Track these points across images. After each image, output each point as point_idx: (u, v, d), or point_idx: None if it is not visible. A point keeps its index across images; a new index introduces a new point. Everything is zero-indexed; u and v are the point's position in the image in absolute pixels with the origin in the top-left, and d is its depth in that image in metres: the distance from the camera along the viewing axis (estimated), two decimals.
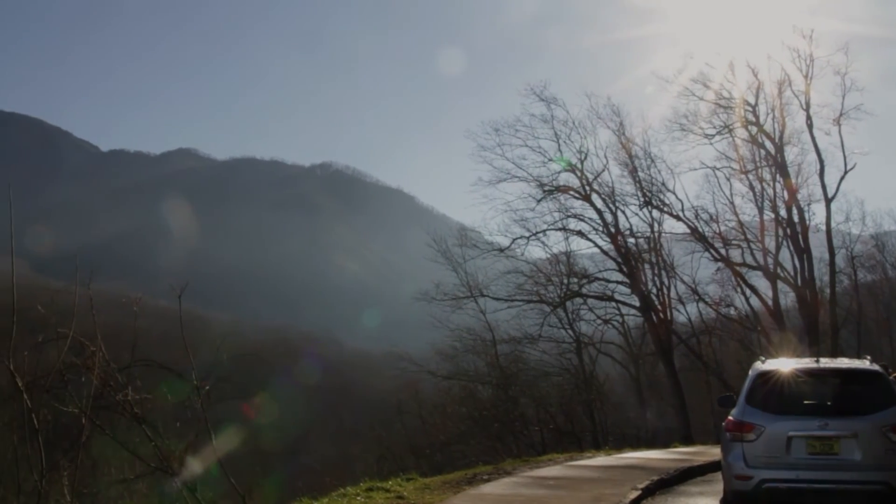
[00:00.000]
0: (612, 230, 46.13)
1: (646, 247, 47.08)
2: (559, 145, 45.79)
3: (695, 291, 47.19)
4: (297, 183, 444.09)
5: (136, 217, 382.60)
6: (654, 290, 46.30)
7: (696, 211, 45.57)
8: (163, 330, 48.85)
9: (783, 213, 43.92)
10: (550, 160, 46.08)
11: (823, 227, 43.54)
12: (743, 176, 44.87)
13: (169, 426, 9.85)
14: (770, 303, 44.92)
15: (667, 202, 45.70)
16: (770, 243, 44.97)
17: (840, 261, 48.16)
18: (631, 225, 46.80)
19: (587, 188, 45.92)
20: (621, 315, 48.74)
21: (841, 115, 41.59)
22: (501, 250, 46.36)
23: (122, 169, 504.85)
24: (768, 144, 43.75)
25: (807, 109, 42.35)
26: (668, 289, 46.65)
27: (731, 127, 44.12)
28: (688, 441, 38.10)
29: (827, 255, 44.19)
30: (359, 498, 14.73)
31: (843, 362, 15.39)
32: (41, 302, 9.62)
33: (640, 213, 46.65)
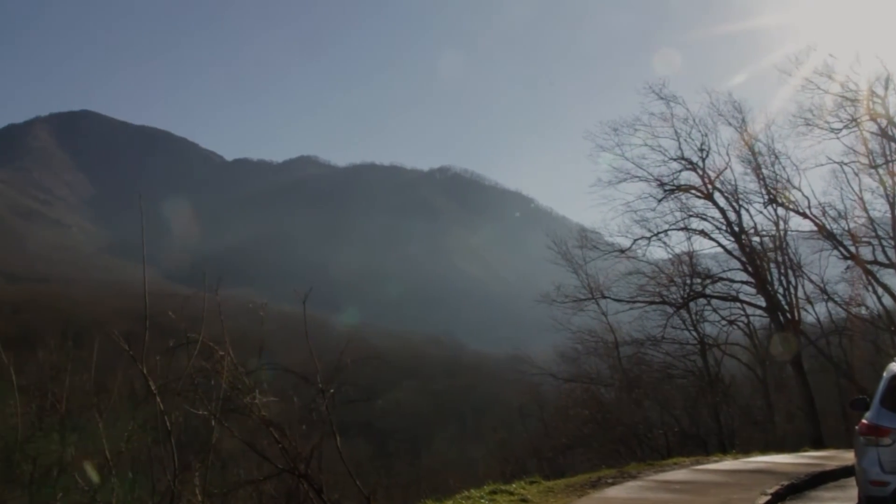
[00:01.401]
0: (736, 229, 45.16)
1: (771, 245, 45.94)
2: (679, 143, 45.09)
3: (823, 291, 45.81)
4: (417, 187, 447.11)
5: (261, 224, 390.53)
6: (781, 290, 45.14)
7: (824, 208, 44.21)
8: (287, 334, 49.80)
9: None
10: (671, 159, 45.41)
11: None
12: (872, 170, 43.32)
13: (295, 428, 10.03)
14: None
15: (792, 199, 44.50)
16: None
17: None
18: (755, 223, 45.74)
19: (709, 187, 45.07)
20: (747, 316, 47.65)
21: None
22: (622, 251, 45.86)
23: (246, 177, 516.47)
24: None
25: None
26: (796, 288, 45.39)
27: (858, 120, 42.53)
28: (818, 445, 37.12)
29: None
30: (483, 500, 14.76)
31: None
32: (171, 308, 9.91)
33: (765, 211, 45.56)
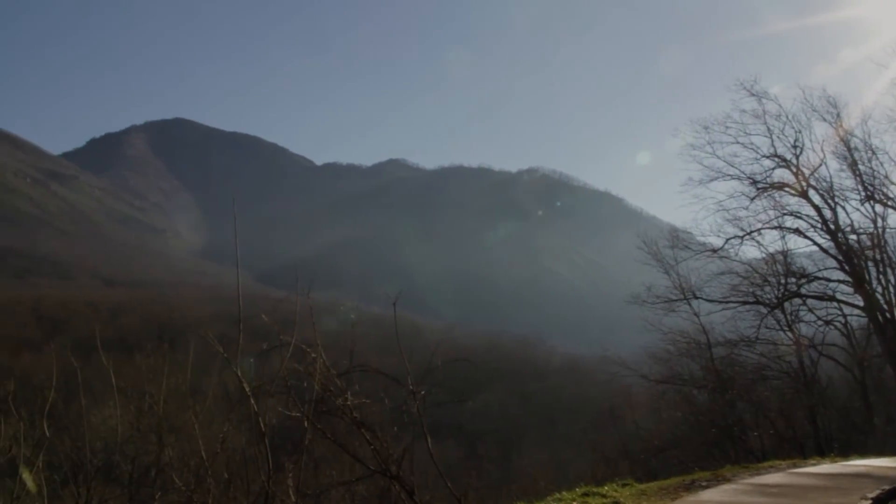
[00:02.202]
0: (832, 227, 44.07)
1: (868, 243, 44.73)
2: (772, 140, 44.18)
3: None
4: (505, 189, 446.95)
5: (350, 227, 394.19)
6: (879, 289, 43.94)
7: None
8: (378, 336, 50.20)
9: None
10: (763, 156, 44.55)
11: None
12: None
13: (386, 430, 10.08)
14: None
15: (891, 196, 43.30)
16: None
17: None
18: (852, 221, 44.54)
19: (803, 184, 44.08)
20: (843, 315, 46.44)
21: None
22: (714, 251, 45.11)
23: (335, 181, 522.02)
24: None
25: None
26: (895, 287, 44.18)
27: None
28: None
29: None
30: (574, 503, 14.67)
31: None
32: (264, 311, 10.03)
33: (862, 209, 44.32)
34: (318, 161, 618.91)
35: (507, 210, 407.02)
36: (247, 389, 9.07)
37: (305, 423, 9.44)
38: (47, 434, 9.38)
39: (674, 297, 44.56)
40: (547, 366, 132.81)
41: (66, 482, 14.05)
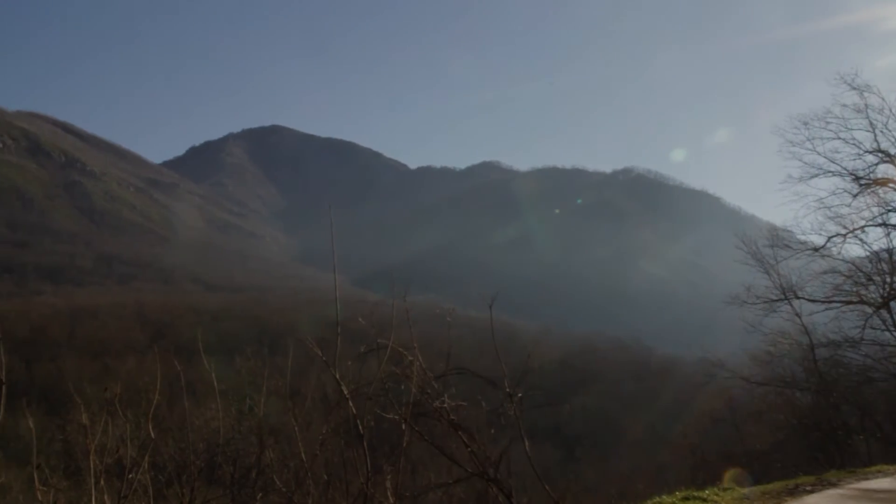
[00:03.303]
0: None
1: None
2: (875, 135, 43.00)
3: None
4: (600, 190, 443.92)
5: (445, 230, 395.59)
6: None
7: None
8: (474, 339, 50.25)
9: None
10: (866, 152, 43.41)
11: None
12: None
13: (483, 432, 10.08)
14: None
15: None
16: None
17: None
18: None
19: None
20: None
21: None
22: (815, 249, 44.09)
23: (430, 185, 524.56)
24: None
25: None
26: None
27: None
28: None
29: None
30: None
31: None
32: (361, 314, 10.12)
33: None
34: (412, 165, 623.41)
35: (601, 211, 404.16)
36: (345, 392, 9.16)
37: (403, 426, 9.49)
38: (152, 436, 9.59)
39: (774, 298, 43.68)
40: (644, 368, 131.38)
41: (170, 483, 14.36)
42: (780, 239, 45.21)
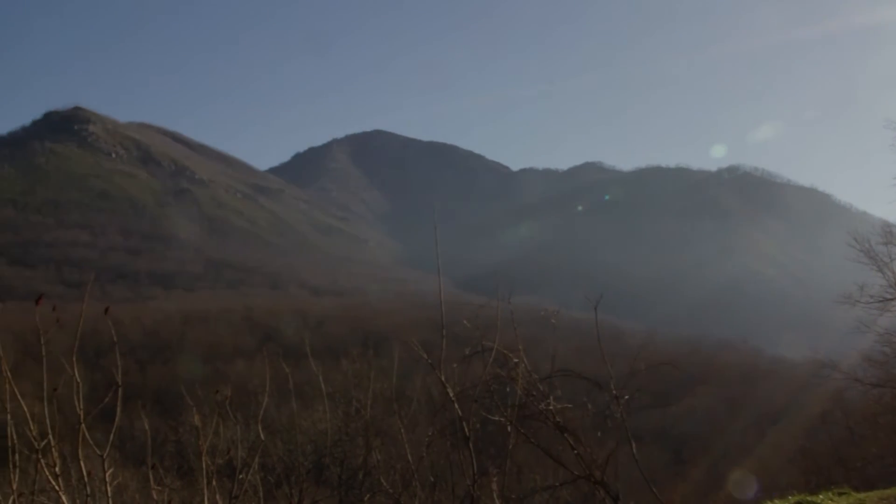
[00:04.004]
0: None
1: None
2: None
3: None
4: (705, 189, 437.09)
5: (548, 232, 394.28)
6: None
7: None
8: (578, 340, 49.91)
9: None
10: None
11: None
12: None
13: (589, 435, 10.00)
14: None
15: None
16: None
17: None
18: None
19: None
20: None
21: None
22: None
23: (532, 186, 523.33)
24: None
25: None
26: None
27: None
28: None
29: None
30: None
31: None
32: (465, 317, 10.14)
33: None
34: (514, 167, 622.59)
35: (707, 210, 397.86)
36: (451, 394, 9.18)
37: (509, 428, 9.48)
38: (262, 437, 9.76)
39: (889, 297, 42.48)
40: (753, 369, 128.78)
41: (279, 483, 14.62)
42: (894, 236, 43.96)
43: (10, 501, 6.55)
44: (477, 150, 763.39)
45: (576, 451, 9.82)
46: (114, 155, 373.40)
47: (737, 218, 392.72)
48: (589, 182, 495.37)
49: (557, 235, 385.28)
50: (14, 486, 6.47)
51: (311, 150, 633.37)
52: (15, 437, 6.50)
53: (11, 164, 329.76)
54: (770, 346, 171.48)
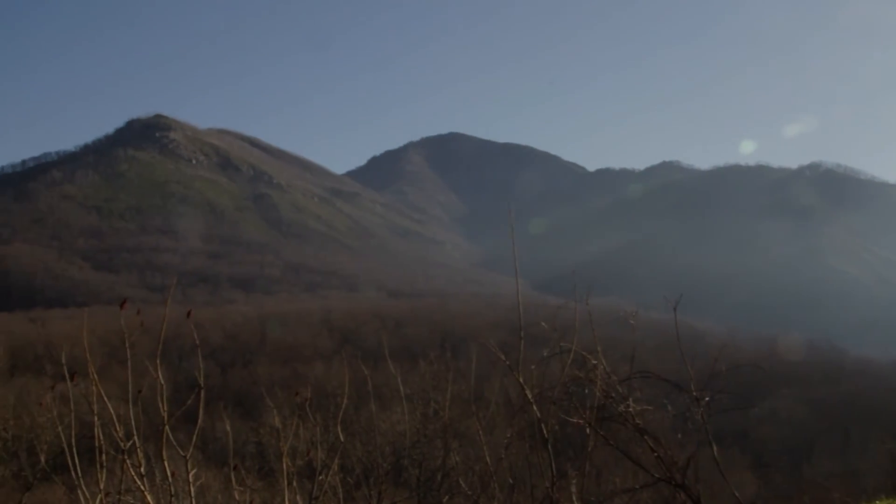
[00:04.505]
0: None
1: None
2: None
3: None
4: (785, 187, 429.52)
5: (625, 232, 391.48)
6: None
7: None
8: (658, 341, 49.49)
9: None
10: None
11: None
12: None
13: (669, 437, 9.90)
14: None
15: None
16: None
17: None
18: None
19: None
20: None
21: None
22: None
23: (609, 186, 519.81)
24: None
25: None
26: None
27: None
28: None
29: None
30: None
31: None
32: (543, 318, 10.11)
33: None
34: (591, 167, 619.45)
35: (788, 208, 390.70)
36: (529, 396, 9.16)
37: (587, 430, 9.42)
38: (341, 439, 9.85)
39: None
40: (837, 370, 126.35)
41: (358, 485, 14.71)
42: None
43: (98, 500, 6.71)
44: (553, 151, 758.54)
45: (656, 454, 9.73)
46: (194, 161, 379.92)
47: (819, 215, 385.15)
48: (666, 181, 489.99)
49: (635, 236, 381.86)
50: (101, 486, 6.62)
51: (388, 154, 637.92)
52: (102, 437, 6.65)
53: (96, 171, 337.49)
54: (855, 347, 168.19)
